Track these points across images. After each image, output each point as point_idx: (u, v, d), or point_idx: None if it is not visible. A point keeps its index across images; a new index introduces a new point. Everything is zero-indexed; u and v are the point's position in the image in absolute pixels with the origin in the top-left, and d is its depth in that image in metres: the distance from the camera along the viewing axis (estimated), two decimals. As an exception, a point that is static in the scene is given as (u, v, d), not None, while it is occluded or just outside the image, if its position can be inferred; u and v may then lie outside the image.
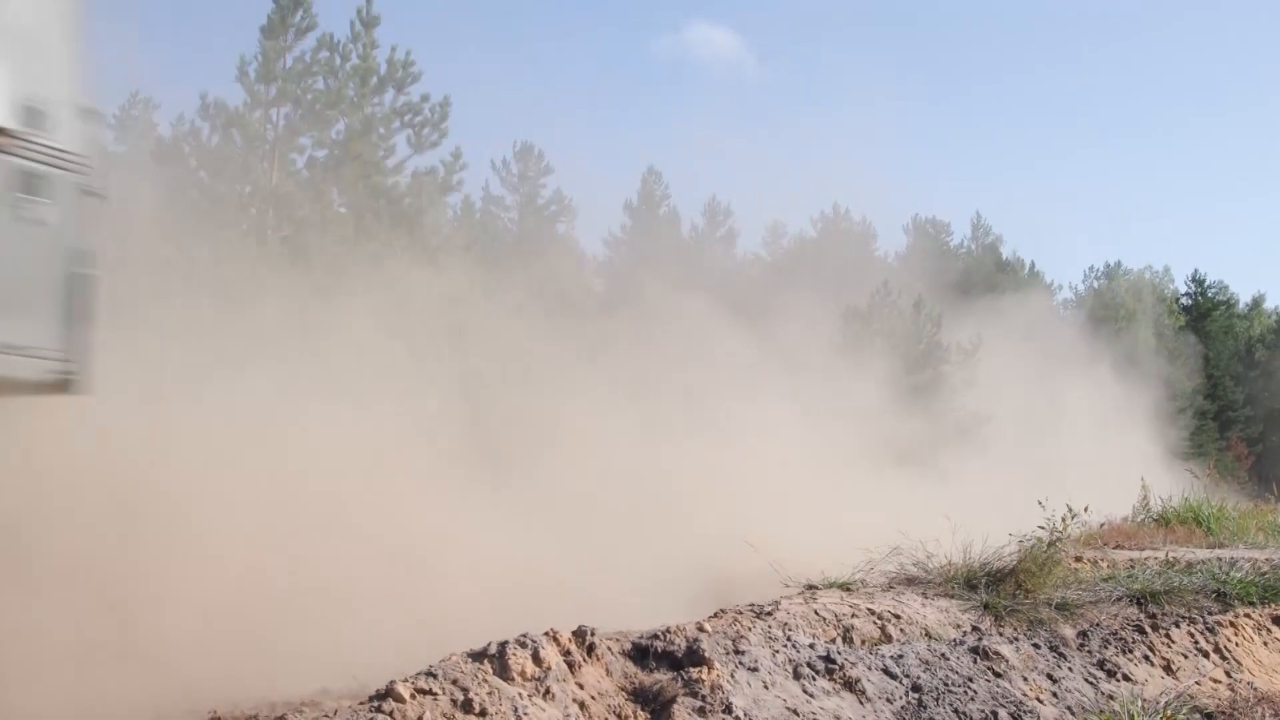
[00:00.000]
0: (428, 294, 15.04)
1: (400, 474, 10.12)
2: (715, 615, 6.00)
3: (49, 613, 6.15)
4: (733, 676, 4.99)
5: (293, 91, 16.81)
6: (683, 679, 4.84)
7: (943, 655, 6.32)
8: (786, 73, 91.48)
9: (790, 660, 5.42)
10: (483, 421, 12.83)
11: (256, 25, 16.77)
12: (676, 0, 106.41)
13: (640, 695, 4.79)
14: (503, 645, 4.50)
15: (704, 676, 4.84)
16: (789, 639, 5.71)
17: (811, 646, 5.71)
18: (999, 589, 7.94)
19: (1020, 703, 6.12)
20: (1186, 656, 7.81)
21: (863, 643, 6.40)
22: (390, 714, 3.97)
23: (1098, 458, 22.86)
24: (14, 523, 6.37)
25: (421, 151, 19.97)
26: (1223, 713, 6.74)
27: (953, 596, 7.82)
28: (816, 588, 7.79)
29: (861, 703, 5.42)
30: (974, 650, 6.56)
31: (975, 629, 7.20)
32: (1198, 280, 47.51)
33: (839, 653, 5.74)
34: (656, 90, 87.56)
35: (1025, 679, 6.47)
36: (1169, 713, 6.26)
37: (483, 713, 4.10)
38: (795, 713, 5.03)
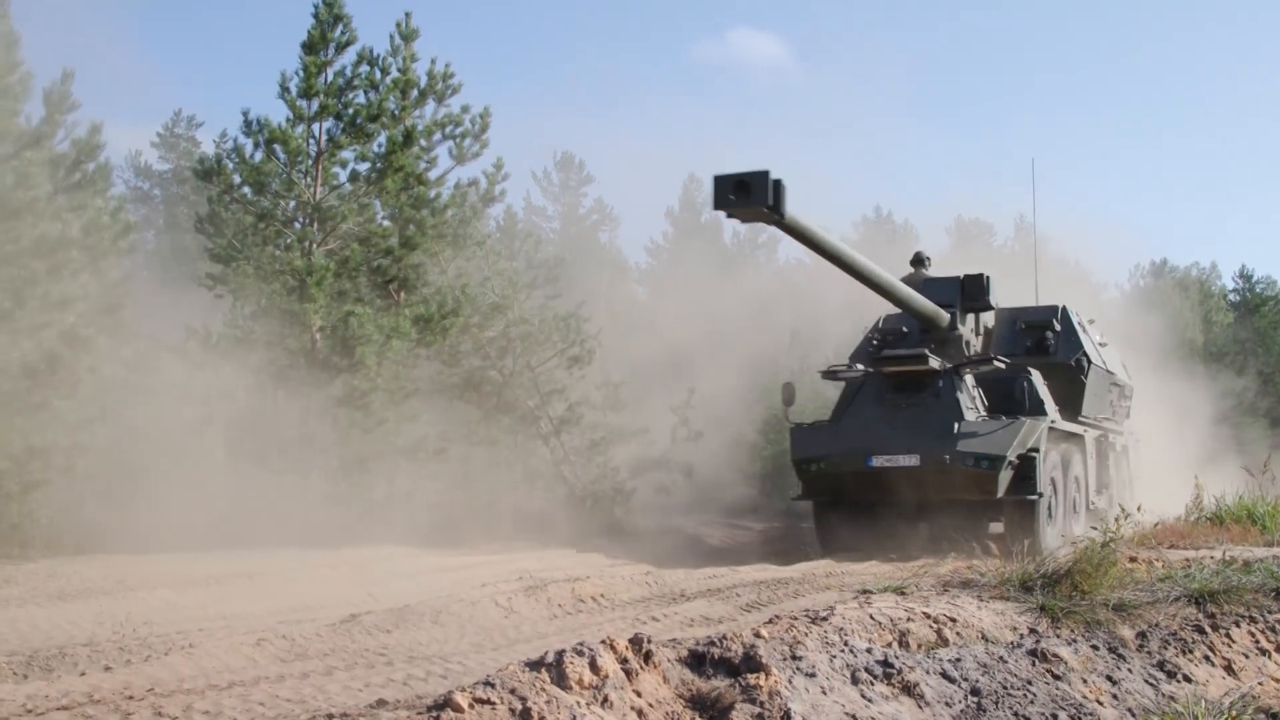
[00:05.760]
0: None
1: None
2: (770, 621, 5.97)
3: None
4: (790, 682, 4.96)
5: (334, 106, 16.88)
6: (740, 685, 4.81)
7: (1000, 658, 6.25)
8: (829, 76, 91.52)
9: (848, 665, 5.38)
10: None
11: (297, 42, 16.88)
12: (719, 5, 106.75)
13: (698, 702, 4.76)
14: (560, 654, 4.48)
15: (761, 683, 4.81)
16: (846, 644, 5.67)
17: (868, 651, 5.67)
18: (1055, 591, 7.86)
19: (1080, 705, 6.05)
20: (1248, 656, 7.70)
21: (919, 647, 6.34)
22: (448, 724, 3.96)
23: (1149, 456, 22.58)
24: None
25: (463, 163, 20.05)
26: (1287, 713, 6.63)
27: (1008, 599, 7.75)
28: (871, 592, 7.74)
29: (920, 707, 5.37)
30: (1032, 653, 6.49)
31: (1032, 631, 7.13)
32: (1245, 275, 47.02)
33: (896, 657, 5.69)
34: (698, 96, 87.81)
35: (1085, 681, 6.39)
36: (1233, 713, 6.17)
37: (541, 721, 4.08)
38: (854, 718, 4.99)
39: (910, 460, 14.83)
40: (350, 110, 16.90)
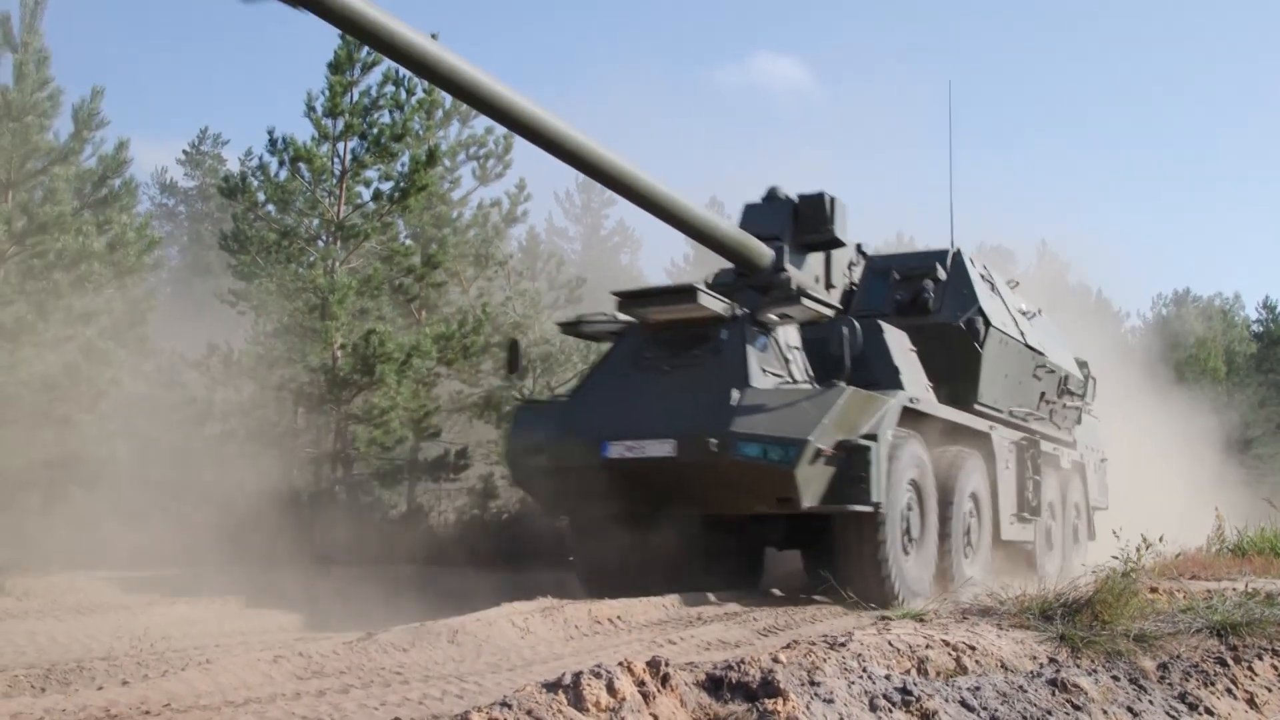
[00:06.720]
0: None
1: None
2: (788, 646, 5.94)
3: None
4: (808, 708, 4.92)
5: (359, 125, 16.96)
6: (758, 710, 4.78)
7: (1020, 687, 6.20)
8: (851, 101, 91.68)
9: (866, 692, 5.34)
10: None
11: (323, 61, 16.97)
12: (741, 30, 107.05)
13: (715, 727, 4.74)
14: (577, 676, 4.46)
15: (779, 708, 4.78)
16: (864, 670, 5.63)
17: (887, 678, 5.63)
18: (1075, 620, 7.80)
19: (1101, 736, 6.00)
20: (1270, 690, 7.63)
21: (938, 674, 6.30)
22: (465, 744, 3.94)
23: (1169, 487, 22.41)
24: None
25: (486, 183, 20.19)
26: (1310, 748, 6.57)
27: (1028, 628, 7.70)
28: (889, 618, 7.70)
29: (939, 736, 5.33)
30: (1052, 682, 6.43)
31: (1052, 660, 7.07)
32: (1269, 307, 46.82)
33: (915, 684, 5.65)
34: (720, 119, 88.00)
35: (1105, 712, 6.33)
36: (1255, 748, 6.11)
37: (557, 744, 4.06)
38: (872, 745, 4.96)
39: (662, 449, 10.13)
40: (375, 130, 16.98)
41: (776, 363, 10.74)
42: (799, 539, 12.07)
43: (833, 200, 12.27)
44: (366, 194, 17.34)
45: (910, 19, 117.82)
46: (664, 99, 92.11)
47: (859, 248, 13.63)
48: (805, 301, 10.72)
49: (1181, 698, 7.02)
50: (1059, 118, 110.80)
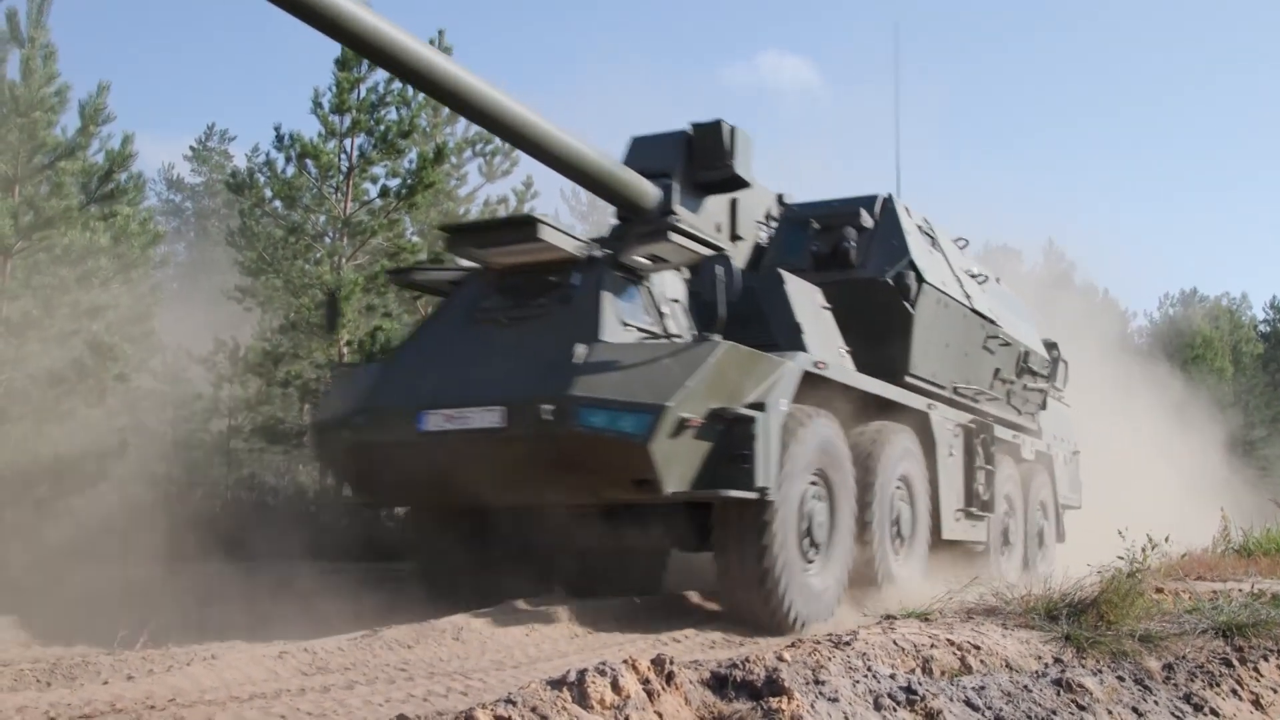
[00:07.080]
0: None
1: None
2: (793, 645, 5.93)
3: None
4: (813, 707, 4.92)
5: (366, 122, 16.94)
6: (762, 709, 4.78)
7: (1025, 687, 6.20)
8: (858, 101, 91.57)
9: (871, 691, 5.34)
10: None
11: (330, 57, 16.94)
12: (748, 29, 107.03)
13: (719, 725, 4.74)
14: (582, 673, 4.46)
15: (784, 706, 4.78)
16: (869, 669, 5.63)
17: (892, 677, 5.63)
18: (1080, 620, 7.79)
19: (1105, 737, 5.99)
20: (1276, 691, 7.62)
21: (942, 674, 6.29)
22: (469, 741, 3.94)
23: (1173, 487, 22.37)
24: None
25: (493, 180, 20.19)
26: (1315, 750, 6.57)
27: (1033, 628, 7.69)
28: (894, 617, 7.69)
29: (944, 735, 5.33)
30: (1057, 682, 6.43)
31: (1057, 660, 7.07)
32: (1276, 307, 46.79)
33: (919, 684, 5.65)
34: (727, 117, 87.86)
35: (1110, 712, 6.33)
36: (1260, 749, 6.11)
37: (562, 741, 4.07)
38: (876, 744, 4.95)
39: (488, 418, 8.04)
40: (382, 126, 16.96)
41: (646, 316, 8.83)
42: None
43: (733, 130, 10.20)
44: (373, 191, 17.33)
45: (916, 18, 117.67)
46: (671, 97, 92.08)
47: (780, 198, 11.72)
48: (674, 237, 8.49)
49: (1187, 698, 7.01)
50: (1066, 117, 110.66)
